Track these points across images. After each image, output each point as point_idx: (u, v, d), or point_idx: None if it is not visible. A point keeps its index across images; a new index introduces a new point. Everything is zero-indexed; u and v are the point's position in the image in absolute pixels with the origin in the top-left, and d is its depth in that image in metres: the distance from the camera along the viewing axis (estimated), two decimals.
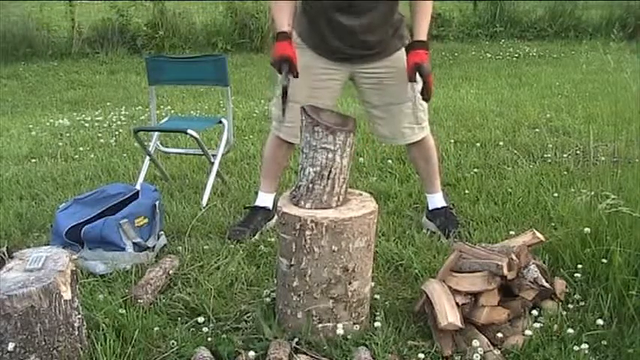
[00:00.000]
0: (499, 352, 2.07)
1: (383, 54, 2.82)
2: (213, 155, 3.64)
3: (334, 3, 2.67)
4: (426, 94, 2.69)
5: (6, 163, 4.31)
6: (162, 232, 2.99)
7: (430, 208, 3.10)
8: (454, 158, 4.08)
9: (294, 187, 2.22)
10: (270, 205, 3.11)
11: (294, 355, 2.06)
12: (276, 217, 2.57)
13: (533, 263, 2.32)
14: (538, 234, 2.41)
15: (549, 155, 4.12)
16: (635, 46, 7.40)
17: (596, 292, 2.35)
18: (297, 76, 2.65)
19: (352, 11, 2.68)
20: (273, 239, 2.91)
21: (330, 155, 2.10)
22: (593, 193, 2.68)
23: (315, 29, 2.78)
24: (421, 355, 2.08)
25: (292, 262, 2.12)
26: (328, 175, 2.12)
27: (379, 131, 3.01)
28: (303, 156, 2.16)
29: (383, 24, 2.76)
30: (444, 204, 3.11)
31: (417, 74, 2.63)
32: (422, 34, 2.71)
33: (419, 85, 2.73)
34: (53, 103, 6.49)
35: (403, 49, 2.77)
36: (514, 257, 2.24)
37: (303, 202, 2.15)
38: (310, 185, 2.13)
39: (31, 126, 5.35)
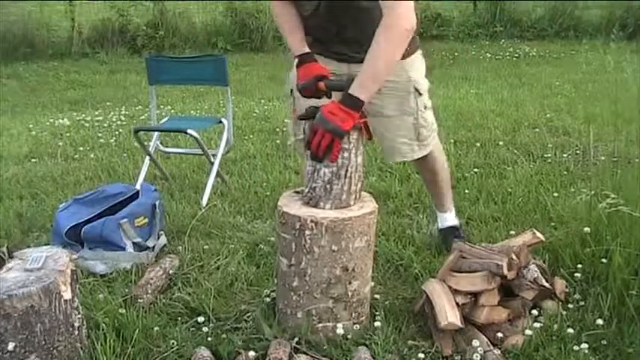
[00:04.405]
0: (499, 351, 2.07)
1: None
2: (213, 155, 3.64)
3: (326, 23, 2.39)
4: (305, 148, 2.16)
5: (6, 163, 4.31)
6: (162, 232, 2.99)
7: (439, 227, 2.93)
8: (454, 158, 4.08)
9: (307, 190, 2.17)
10: None
11: (294, 355, 2.06)
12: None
13: (533, 263, 2.32)
14: (538, 234, 2.41)
15: (549, 155, 4.12)
16: (635, 46, 7.39)
17: (596, 292, 2.35)
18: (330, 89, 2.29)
19: (348, 26, 2.38)
20: (273, 239, 2.91)
21: (346, 154, 2.10)
22: (593, 192, 2.68)
23: (313, 35, 2.53)
24: (421, 355, 2.08)
25: (292, 262, 2.12)
26: (345, 174, 2.11)
27: (378, 143, 2.75)
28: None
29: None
30: (455, 223, 2.91)
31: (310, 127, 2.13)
32: (357, 85, 2.08)
33: (423, 98, 2.55)
34: (53, 103, 6.50)
35: (411, 58, 2.50)
36: (514, 257, 2.24)
37: (322, 204, 2.13)
38: (328, 186, 2.12)
39: (31, 126, 5.35)
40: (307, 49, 2.37)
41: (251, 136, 4.80)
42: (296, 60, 2.37)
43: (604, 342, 2.12)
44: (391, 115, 2.55)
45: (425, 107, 2.57)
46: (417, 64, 2.56)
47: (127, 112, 5.80)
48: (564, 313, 2.26)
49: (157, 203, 2.99)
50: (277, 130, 4.96)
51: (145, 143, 3.71)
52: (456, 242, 2.54)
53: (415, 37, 2.51)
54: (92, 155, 4.44)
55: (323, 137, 2.05)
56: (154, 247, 2.88)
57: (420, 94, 2.54)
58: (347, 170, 2.11)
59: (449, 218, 2.91)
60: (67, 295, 1.97)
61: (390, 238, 2.96)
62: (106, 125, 5.34)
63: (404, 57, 2.43)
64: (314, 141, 2.06)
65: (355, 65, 2.52)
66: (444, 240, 2.84)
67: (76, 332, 2.03)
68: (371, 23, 2.17)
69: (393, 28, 2.08)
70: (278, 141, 4.62)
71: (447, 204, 2.90)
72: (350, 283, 2.13)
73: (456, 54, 8.62)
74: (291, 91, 2.58)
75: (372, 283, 2.34)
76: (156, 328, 2.23)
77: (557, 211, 3.10)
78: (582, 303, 2.33)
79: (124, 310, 2.29)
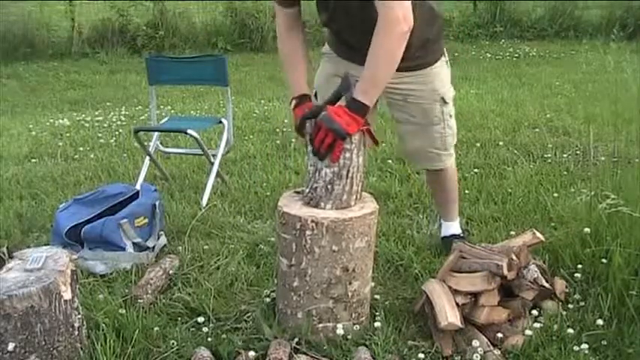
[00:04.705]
0: (499, 352, 2.07)
1: (411, 68, 2.40)
2: (213, 155, 3.64)
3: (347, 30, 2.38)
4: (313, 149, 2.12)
5: (6, 163, 4.31)
6: (162, 232, 2.99)
7: (442, 235, 2.90)
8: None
9: (308, 190, 2.16)
10: None
11: (294, 355, 2.06)
12: None
13: (533, 263, 2.32)
14: (538, 234, 2.41)
15: (549, 155, 4.12)
16: (635, 46, 7.39)
17: (596, 292, 2.35)
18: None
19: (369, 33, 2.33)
20: (273, 239, 2.91)
21: (348, 155, 2.10)
22: (593, 193, 2.68)
23: (339, 37, 2.50)
24: (421, 355, 2.08)
25: (292, 262, 2.12)
26: (347, 174, 2.11)
27: (405, 150, 2.75)
28: (316, 158, 2.11)
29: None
30: (458, 232, 2.87)
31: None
32: (359, 90, 2.08)
33: (449, 107, 2.55)
34: (53, 103, 6.50)
35: (436, 65, 2.50)
36: (514, 257, 2.24)
37: (323, 204, 2.12)
38: (329, 186, 2.11)
39: (31, 126, 5.35)
40: (305, 90, 2.37)
41: (251, 137, 4.80)
42: (293, 102, 2.36)
43: (604, 342, 2.12)
44: (419, 123, 2.55)
45: (450, 116, 2.57)
46: (443, 72, 2.54)
47: (127, 112, 5.80)
48: (564, 313, 2.26)
49: (157, 203, 2.99)
50: (277, 130, 4.96)
51: (145, 143, 3.71)
52: (456, 242, 2.54)
53: (439, 44, 2.52)
54: (92, 155, 4.44)
55: (326, 135, 2.05)
56: (154, 247, 2.88)
57: (446, 102, 2.53)
58: (348, 171, 2.11)
59: (453, 227, 2.88)
60: (67, 295, 1.97)
61: (390, 238, 2.96)
62: (106, 125, 5.34)
63: (428, 65, 2.46)
64: (317, 137, 2.07)
65: None
66: (445, 247, 2.79)
67: (76, 332, 2.03)
68: (419, 32, 2.17)
69: (391, 30, 2.06)
70: (278, 141, 4.62)
71: (453, 213, 2.88)
72: (350, 283, 2.13)
73: (456, 54, 8.61)
74: (315, 94, 2.55)
75: (372, 284, 2.34)
76: (156, 329, 2.23)
77: (557, 212, 3.10)
78: (582, 303, 2.33)
79: (124, 311, 2.29)
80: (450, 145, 2.63)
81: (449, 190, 2.83)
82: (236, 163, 4.17)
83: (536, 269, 2.29)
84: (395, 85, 2.42)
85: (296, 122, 2.31)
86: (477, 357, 2.01)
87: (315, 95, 2.54)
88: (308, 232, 2.06)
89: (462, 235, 2.86)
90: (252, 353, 2.06)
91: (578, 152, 4.14)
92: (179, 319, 2.34)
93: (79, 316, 2.05)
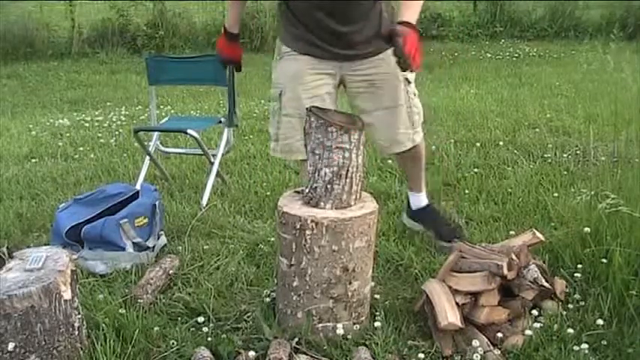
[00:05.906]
0: (499, 352, 2.07)
1: (372, 53, 2.57)
2: (213, 155, 3.64)
3: (317, 3, 2.48)
4: (402, 63, 2.27)
5: (6, 163, 4.31)
6: (162, 232, 2.99)
7: (414, 208, 2.98)
8: (454, 158, 4.08)
9: (308, 190, 2.17)
10: None
11: (294, 355, 2.06)
12: None
13: (533, 263, 2.32)
14: (538, 234, 2.41)
15: (549, 155, 4.12)
16: (635, 46, 7.39)
17: (596, 292, 2.35)
18: (239, 70, 3.22)
19: (336, 12, 2.49)
20: (273, 239, 2.91)
21: (347, 154, 2.10)
22: (593, 193, 2.68)
23: (299, 31, 2.60)
24: (421, 355, 2.08)
25: (292, 262, 2.12)
26: (346, 174, 2.12)
27: (376, 139, 2.81)
28: (315, 157, 2.12)
29: (367, 22, 2.53)
30: (426, 202, 2.98)
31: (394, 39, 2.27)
32: (407, 17, 2.34)
33: (412, 87, 2.66)
34: (53, 103, 6.50)
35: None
36: (514, 257, 2.24)
37: (323, 204, 2.13)
38: (328, 186, 2.12)
39: (31, 126, 5.35)
40: (236, 31, 2.96)
41: (251, 136, 4.80)
42: (223, 31, 2.95)
43: (604, 342, 2.12)
44: (388, 107, 2.65)
45: (414, 94, 2.70)
46: None
47: (127, 112, 5.80)
48: (564, 313, 2.26)
49: (157, 203, 2.99)
50: None
51: (145, 143, 3.71)
52: (456, 242, 2.54)
53: None
54: (92, 155, 4.44)
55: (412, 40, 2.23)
56: (154, 247, 2.88)
57: (409, 82, 2.64)
58: (348, 170, 2.11)
59: (423, 198, 2.98)
60: (67, 295, 1.97)
61: (390, 238, 2.96)
62: (106, 125, 5.34)
63: (386, 48, 2.55)
64: (409, 45, 2.22)
65: (348, 64, 2.61)
66: (422, 221, 2.90)
67: (76, 332, 2.03)
68: (378, 20, 2.47)
69: None
70: None
71: (422, 183, 2.98)
72: (350, 283, 2.13)
73: (456, 54, 8.62)
74: (280, 93, 2.66)
75: (372, 283, 2.34)
76: (156, 328, 2.23)
77: (557, 211, 3.10)
78: (582, 303, 2.33)
79: (124, 310, 2.29)
80: (417, 123, 2.73)
81: (420, 162, 2.91)
82: (236, 163, 4.17)
83: (536, 269, 2.29)
84: (359, 74, 2.61)
85: (220, 56, 3.06)
86: (477, 357, 2.01)
87: (280, 95, 2.66)
88: (308, 232, 2.06)
89: (430, 204, 2.98)
90: (252, 353, 2.06)
91: (578, 152, 4.13)
92: (179, 319, 2.34)
93: (79, 316, 2.05)
